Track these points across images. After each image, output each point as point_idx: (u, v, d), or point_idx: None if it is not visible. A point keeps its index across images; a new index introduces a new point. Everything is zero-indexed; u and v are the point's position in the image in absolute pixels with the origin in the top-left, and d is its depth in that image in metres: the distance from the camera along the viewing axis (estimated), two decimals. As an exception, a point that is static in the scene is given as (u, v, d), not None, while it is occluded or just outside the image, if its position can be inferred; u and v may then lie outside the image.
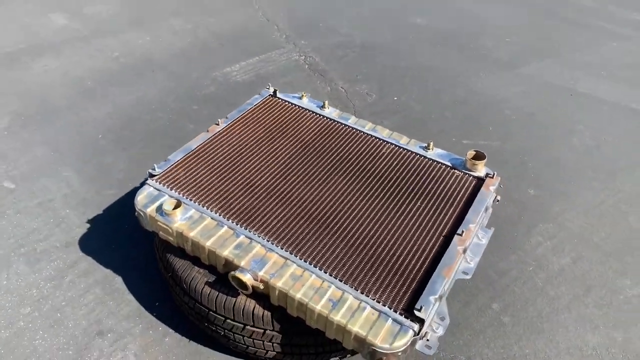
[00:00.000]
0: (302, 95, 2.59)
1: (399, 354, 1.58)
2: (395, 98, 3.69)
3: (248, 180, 2.08)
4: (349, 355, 2.06)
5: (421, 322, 1.61)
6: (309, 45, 4.28)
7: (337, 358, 2.03)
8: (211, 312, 1.87)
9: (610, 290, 2.44)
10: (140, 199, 1.98)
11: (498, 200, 2.20)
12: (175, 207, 1.90)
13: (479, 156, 2.19)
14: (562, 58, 4.32)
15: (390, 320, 1.62)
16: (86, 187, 2.78)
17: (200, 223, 1.89)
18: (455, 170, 2.21)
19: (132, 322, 2.17)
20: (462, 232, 1.88)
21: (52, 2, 4.74)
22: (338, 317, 1.62)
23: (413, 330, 1.60)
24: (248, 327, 1.84)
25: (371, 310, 1.64)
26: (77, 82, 3.66)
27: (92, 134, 3.17)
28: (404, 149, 2.31)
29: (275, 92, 2.60)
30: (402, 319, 1.61)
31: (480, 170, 2.19)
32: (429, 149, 2.30)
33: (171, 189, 2.02)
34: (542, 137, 3.39)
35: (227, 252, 1.79)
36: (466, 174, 2.19)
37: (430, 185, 2.12)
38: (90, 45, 4.11)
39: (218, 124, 2.34)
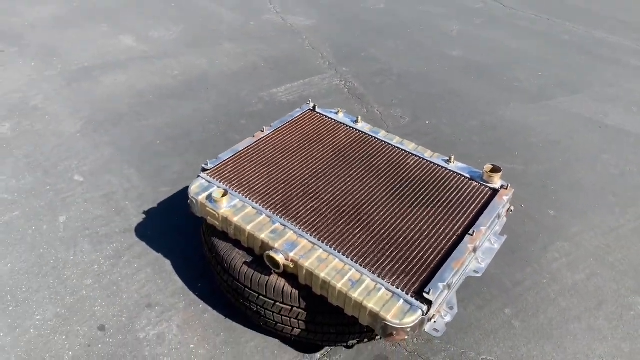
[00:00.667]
0: (338, 111, 2.89)
1: (408, 330, 1.80)
2: (427, 122, 3.94)
3: (285, 178, 2.37)
4: (365, 340, 2.27)
5: (429, 303, 1.82)
6: (350, 72, 4.61)
7: (355, 341, 2.24)
8: (247, 289, 2.14)
9: (622, 305, 2.55)
10: (193, 188, 2.30)
11: (511, 210, 2.41)
12: (223, 196, 2.20)
13: (495, 169, 2.41)
14: (592, 92, 4.47)
15: (402, 301, 1.84)
16: (144, 184, 3.15)
17: (243, 211, 2.18)
18: (473, 182, 2.43)
19: (177, 299, 2.46)
20: (473, 232, 2.10)
21: (122, 26, 5.32)
22: (356, 294, 1.85)
23: (422, 310, 1.81)
24: (278, 303, 2.10)
25: (385, 291, 1.87)
26: (140, 95, 4.11)
27: (151, 140, 3.57)
28: (428, 160, 2.55)
29: (314, 107, 2.91)
30: (412, 300, 1.83)
31: (496, 182, 2.40)
32: (450, 162, 2.54)
33: (219, 182, 2.33)
34: (565, 163, 3.54)
35: (263, 236, 2.07)
36: (482, 185, 2.40)
37: (448, 193, 2.35)
38: (153, 64, 4.59)
39: (262, 131, 2.67)
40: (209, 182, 2.34)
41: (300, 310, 2.09)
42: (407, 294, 1.86)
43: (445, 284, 1.89)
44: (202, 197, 2.24)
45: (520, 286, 2.63)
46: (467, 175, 2.45)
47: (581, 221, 3.05)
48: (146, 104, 4.00)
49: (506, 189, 2.37)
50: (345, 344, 2.29)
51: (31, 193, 3.05)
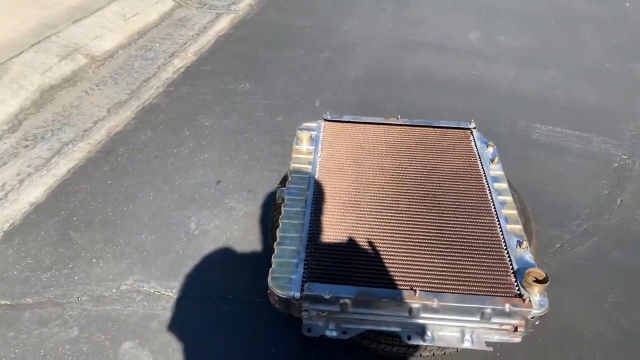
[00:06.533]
0: (490, 145, 2.62)
1: (277, 298, 1.89)
2: None
3: (361, 159, 2.49)
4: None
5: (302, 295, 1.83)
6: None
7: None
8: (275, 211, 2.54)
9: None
10: (303, 125, 2.77)
11: (522, 331, 1.83)
12: (306, 139, 2.59)
13: (543, 280, 1.84)
14: None
15: (295, 277, 1.91)
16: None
17: (306, 154, 2.53)
18: (509, 277, 1.93)
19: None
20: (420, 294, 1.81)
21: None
22: (277, 248, 2.04)
23: (294, 295, 1.85)
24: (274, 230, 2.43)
25: (295, 263, 1.96)
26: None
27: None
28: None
29: (474, 128, 2.73)
30: (305, 284, 1.87)
31: (534, 293, 1.85)
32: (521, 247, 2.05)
33: (322, 131, 2.70)
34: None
35: (290, 184, 2.39)
36: (518, 287, 1.89)
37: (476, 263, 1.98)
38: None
39: (397, 119, 2.77)
40: (316, 129, 2.74)
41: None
42: (305, 278, 1.91)
43: (334, 296, 1.82)
44: (299, 133, 2.69)
45: None
46: (514, 266, 1.96)
47: None
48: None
49: (527, 301, 1.81)
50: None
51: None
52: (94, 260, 2.65)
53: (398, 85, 4.36)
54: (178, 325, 2.35)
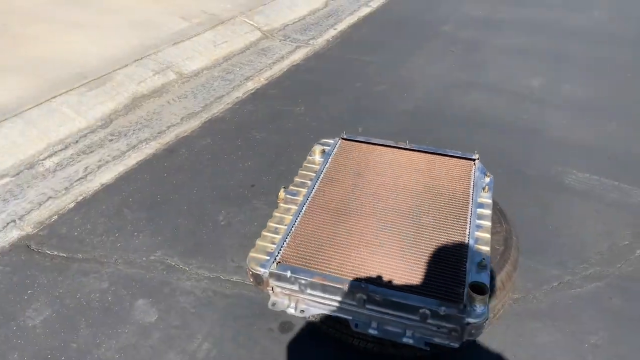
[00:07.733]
0: (487, 175, 2.78)
1: (250, 272, 2.24)
2: None
3: (365, 180, 2.77)
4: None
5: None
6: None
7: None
8: (279, 210, 2.92)
9: None
10: (322, 140, 3.13)
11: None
12: (319, 152, 2.95)
13: (481, 290, 2.01)
14: None
15: (268, 258, 2.25)
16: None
17: (316, 164, 2.88)
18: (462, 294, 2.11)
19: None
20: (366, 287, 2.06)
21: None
22: (262, 233, 2.40)
23: (265, 273, 2.19)
24: (274, 227, 2.80)
25: (274, 247, 2.31)
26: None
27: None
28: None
29: (477, 159, 2.90)
30: (273, 264, 2.21)
31: (477, 304, 2.01)
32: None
33: (335, 146, 3.04)
34: None
35: (296, 179, 2.77)
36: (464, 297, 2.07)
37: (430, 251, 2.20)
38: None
39: (405, 143, 3.03)
40: (333, 143, 3.08)
41: (274, 239, 2.73)
42: (276, 261, 2.24)
43: (293, 276, 2.13)
44: (315, 146, 3.05)
45: None
46: (467, 280, 2.14)
47: None
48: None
49: (462, 307, 1.97)
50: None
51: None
52: (135, 233, 3.19)
53: (441, 121, 4.57)
54: (185, 294, 2.77)
